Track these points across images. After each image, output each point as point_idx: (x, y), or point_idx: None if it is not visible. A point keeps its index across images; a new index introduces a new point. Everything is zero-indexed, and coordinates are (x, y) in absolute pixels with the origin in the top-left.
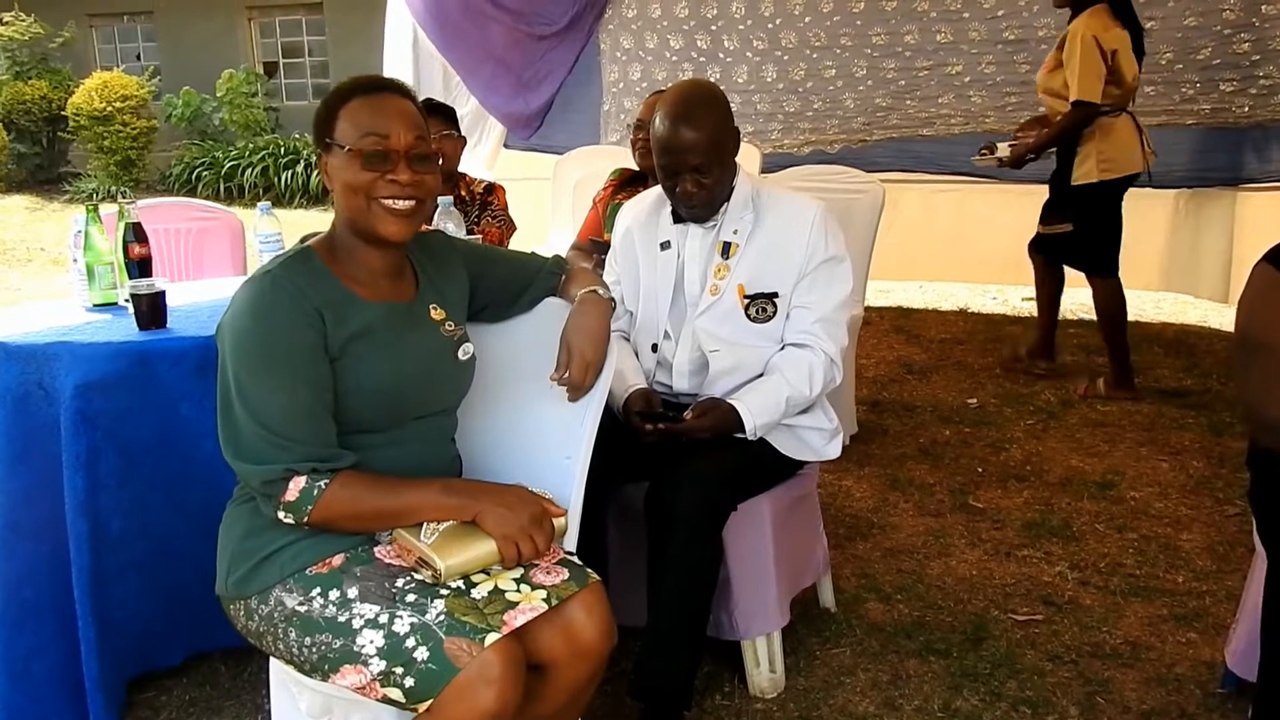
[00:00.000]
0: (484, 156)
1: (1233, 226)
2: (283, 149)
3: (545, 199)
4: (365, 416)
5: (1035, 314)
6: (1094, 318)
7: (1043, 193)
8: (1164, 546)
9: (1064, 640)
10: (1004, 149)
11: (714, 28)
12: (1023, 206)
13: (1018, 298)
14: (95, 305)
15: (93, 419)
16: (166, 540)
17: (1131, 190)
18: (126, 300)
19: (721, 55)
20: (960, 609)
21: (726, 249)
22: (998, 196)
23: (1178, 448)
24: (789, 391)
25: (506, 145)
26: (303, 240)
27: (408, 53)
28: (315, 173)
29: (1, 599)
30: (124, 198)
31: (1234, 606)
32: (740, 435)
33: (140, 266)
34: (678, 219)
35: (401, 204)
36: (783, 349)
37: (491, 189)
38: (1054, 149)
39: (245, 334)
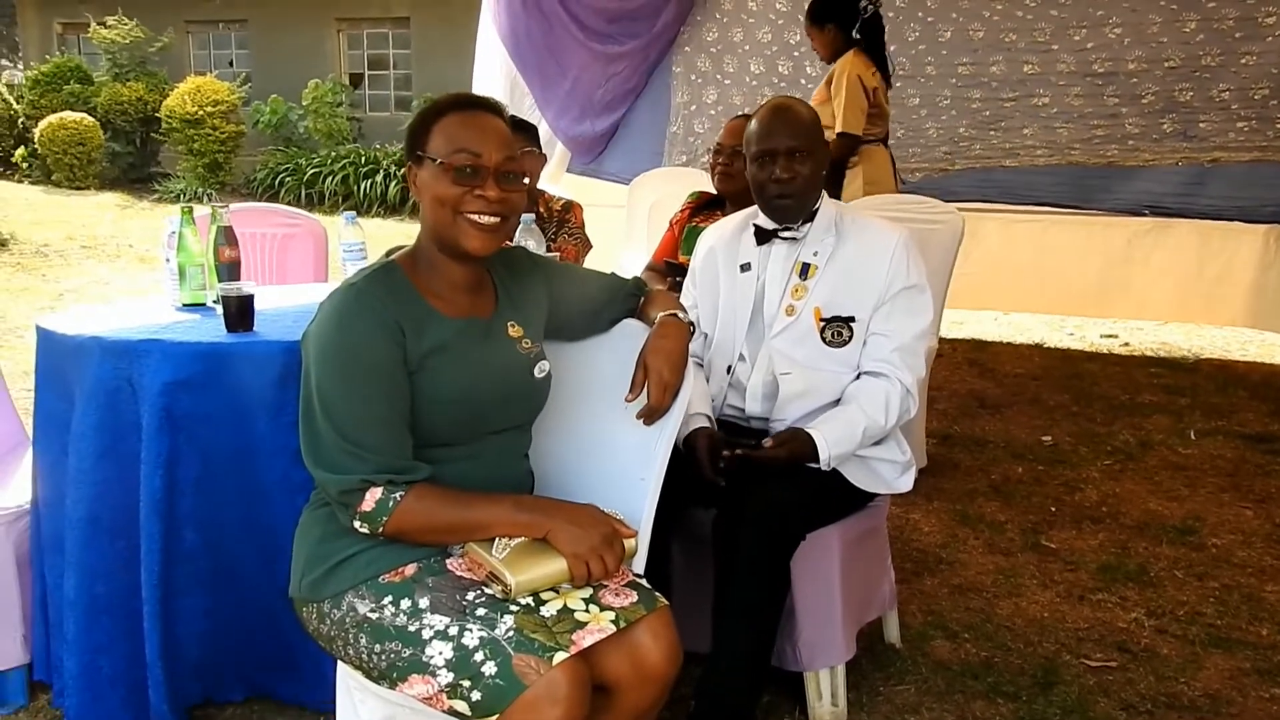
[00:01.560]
0: (548, 173)
1: None
2: (363, 158)
3: (606, 225)
4: (441, 430)
5: (1112, 350)
6: (1171, 355)
7: (1126, 224)
8: (1247, 597)
9: (1139, 689)
10: None
11: (796, 54)
12: (1107, 237)
13: (1096, 333)
14: (184, 305)
15: (177, 419)
16: (236, 562)
17: (1219, 224)
18: (215, 302)
19: (803, 81)
20: (1030, 651)
21: (805, 270)
22: (1081, 228)
23: (1263, 495)
24: (866, 422)
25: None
26: (388, 254)
27: (499, 69)
28: (394, 183)
29: (75, 590)
30: (211, 200)
31: None
32: (814, 465)
33: (230, 269)
34: (761, 240)
35: (487, 219)
36: (858, 377)
37: (569, 207)
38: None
39: (328, 345)
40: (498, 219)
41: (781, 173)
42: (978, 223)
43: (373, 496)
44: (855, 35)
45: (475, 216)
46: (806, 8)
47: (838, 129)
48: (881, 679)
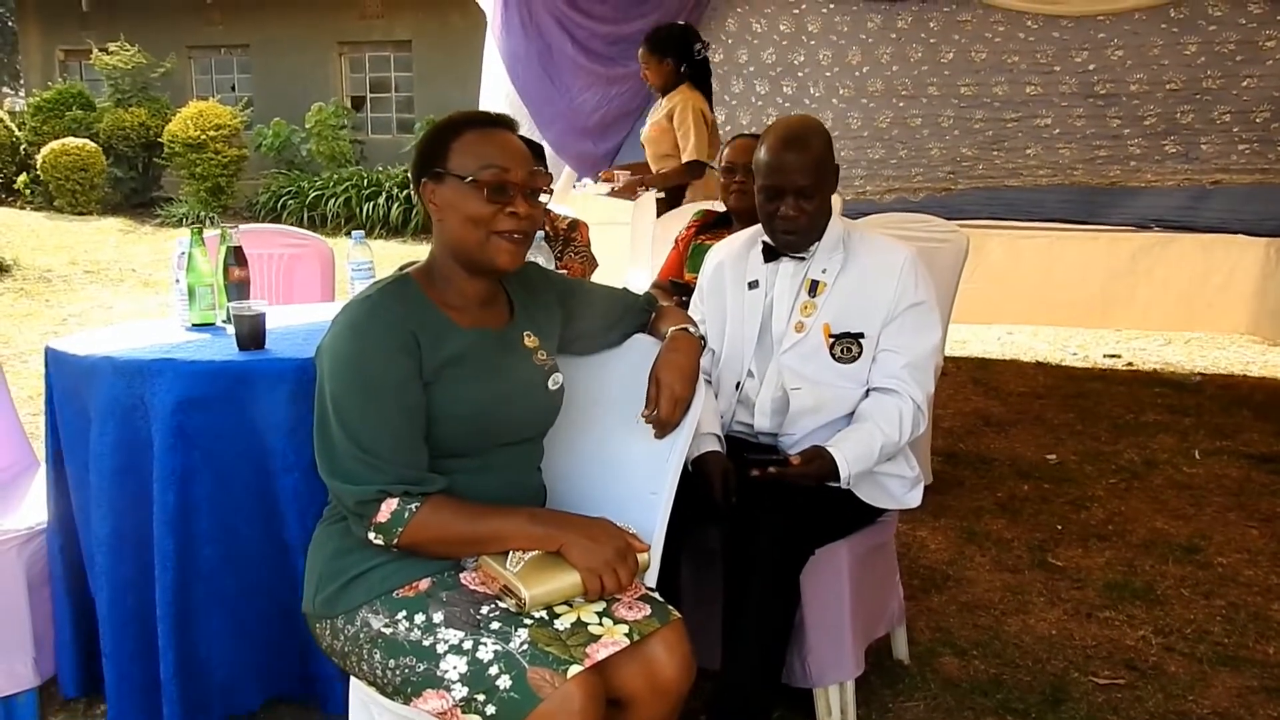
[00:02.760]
0: (555, 193)
1: None
2: (365, 181)
3: (617, 243)
4: (456, 441)
5: (1115, 369)
6: (1166, 368)
7: (1130, 238)
8: (1254, 615)
9: (1147, 707)
10: (619, 181)
11: (800, 74)
12: (1111, 251)
13: (1099, 352)
14: (194, 325)
15: (190, 437)
16: (254, 572)
17: (1221, 237)
18: (225, 321)
19: (807, 101)
20: (1039, 668)
21: (814, 287)
22: (1086, 242)
23: (1269, 514)
24: (882, 440)
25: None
26: (401, 269)
27: (503, 90)
28: (396, 205)
29: (109, 604)
30: (214, 223)
31: None
32: (833, 484)
33: (239, 289)
34: (769, 257)
35: (518, 236)
36: (868, 394)
37: (575, 225)
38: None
39: (344, 356)
40: (525, 235)
41: (789, 210)
42: (983, 239)
43: (388, 508)
44: (684, 71)
45: (508, 234)
46: (645, 37)
47: (688, 157)
48: (890, 695)
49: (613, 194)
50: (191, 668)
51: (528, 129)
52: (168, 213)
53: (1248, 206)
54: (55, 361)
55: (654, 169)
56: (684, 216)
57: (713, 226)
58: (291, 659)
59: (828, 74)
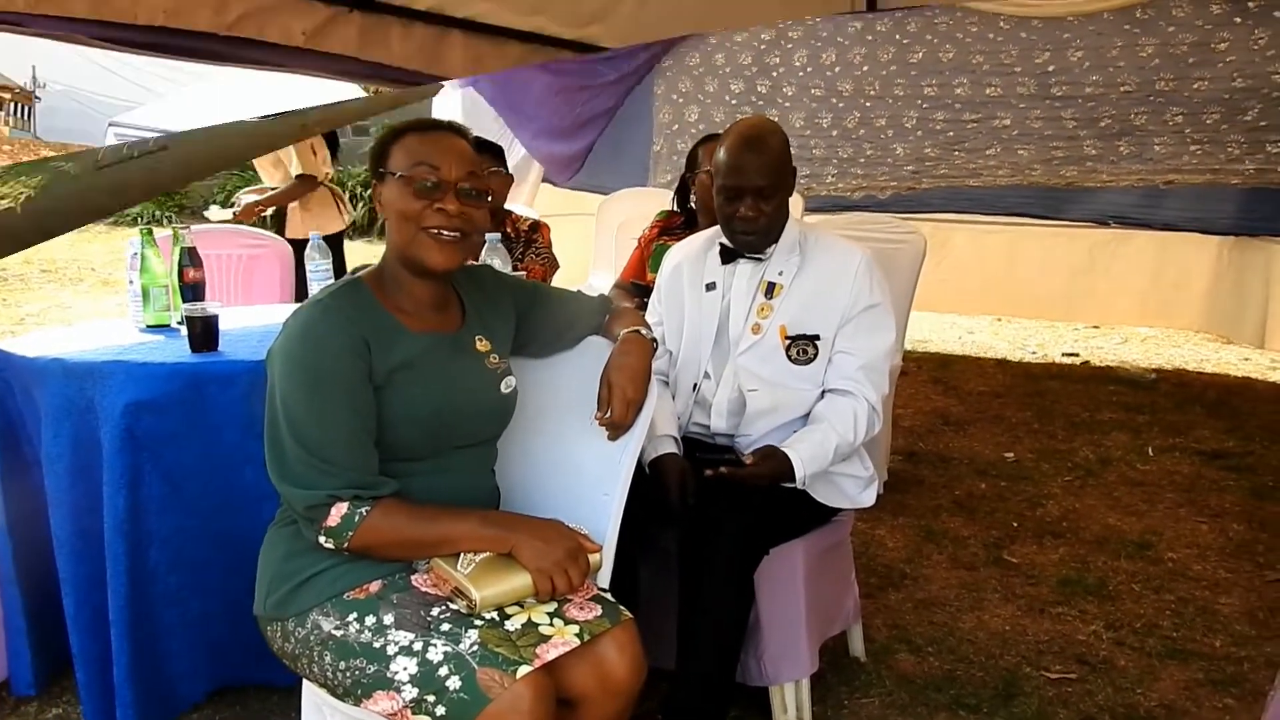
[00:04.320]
0: (524, 193)
1: (1270, 275)
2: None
3: (588, 236)
4: (409, 444)
5: (1074, 367)
6: (1123, 366)
7: (1089, 234)
8: (1201, 609)
9: (1097, 700)
10: (239, 205)
11: (775, 74)
12: (1072, 248)
13: (1058, 351)
14: (148, 326)
15: (139, 439)
16: (201, 571)
17: (1176, 235)
18: (179, 323)
19: (780, 100)
20: (992, 664)
21: (771, 289)
22: (1047, 238)
23: (1218, 510)
24: (837, 440)
25: (553, 182)
26: (354, 272)
27: (456, 93)
28: (360, 204)
29: (75, 605)
30: (171, 223)
31: (1273, 673)
32: (789, 485)
33: (194, 290)
34: (727, 259)
35: (447, 234)
36: (823, 396)
37: (536, 226)
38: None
39: (295, 361)
40: (458, 234)
41: (748, 211)
42: (949, 232)
43: (338, 512)
44: None
45: (435, 231)
46: None
47: (294, 171)
48: (846, 692)
49: (235, 219)
50: (146, 669)
51: (486, 130)
52: (122, 211)
53: (1200, 206)
54: (4, 363)
55: (267, 181)
56: (647, 218)
57: (677, 228)
58: (247, 656)
59: (800, 74)
